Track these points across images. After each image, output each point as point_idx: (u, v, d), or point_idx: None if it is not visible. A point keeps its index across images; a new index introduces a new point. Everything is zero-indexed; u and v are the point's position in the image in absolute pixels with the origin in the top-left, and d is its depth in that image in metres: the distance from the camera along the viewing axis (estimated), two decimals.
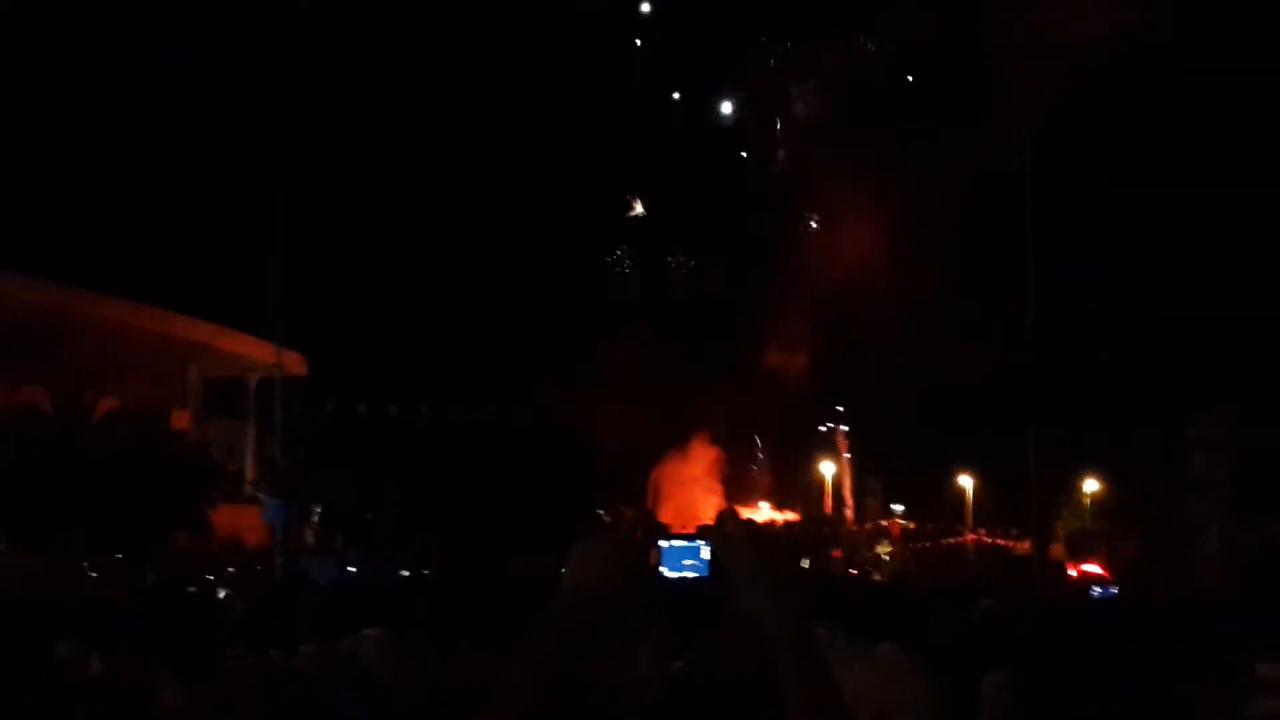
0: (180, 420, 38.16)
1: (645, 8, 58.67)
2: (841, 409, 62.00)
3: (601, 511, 36.21)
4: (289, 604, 6.86)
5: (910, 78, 54.49)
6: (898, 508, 60.71)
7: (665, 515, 41.26)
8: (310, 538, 37.60)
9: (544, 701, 2.21)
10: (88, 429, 31.17)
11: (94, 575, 21.03)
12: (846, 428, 62.44)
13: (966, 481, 58.41)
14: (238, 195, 48.44)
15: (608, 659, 2.61)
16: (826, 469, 62.10)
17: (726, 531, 2.33)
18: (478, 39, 56.39)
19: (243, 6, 52.73)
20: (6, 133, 42.78)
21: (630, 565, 2.33)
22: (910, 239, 47.33)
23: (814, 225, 55.06)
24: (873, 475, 61.83)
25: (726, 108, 59.90)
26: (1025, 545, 35.75)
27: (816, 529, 54.07)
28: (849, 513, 61.43)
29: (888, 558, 48.80)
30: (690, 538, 2.36)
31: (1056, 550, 35.00)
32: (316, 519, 38.26)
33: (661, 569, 2.37)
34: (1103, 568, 24.19)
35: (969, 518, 58.20)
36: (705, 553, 2.35)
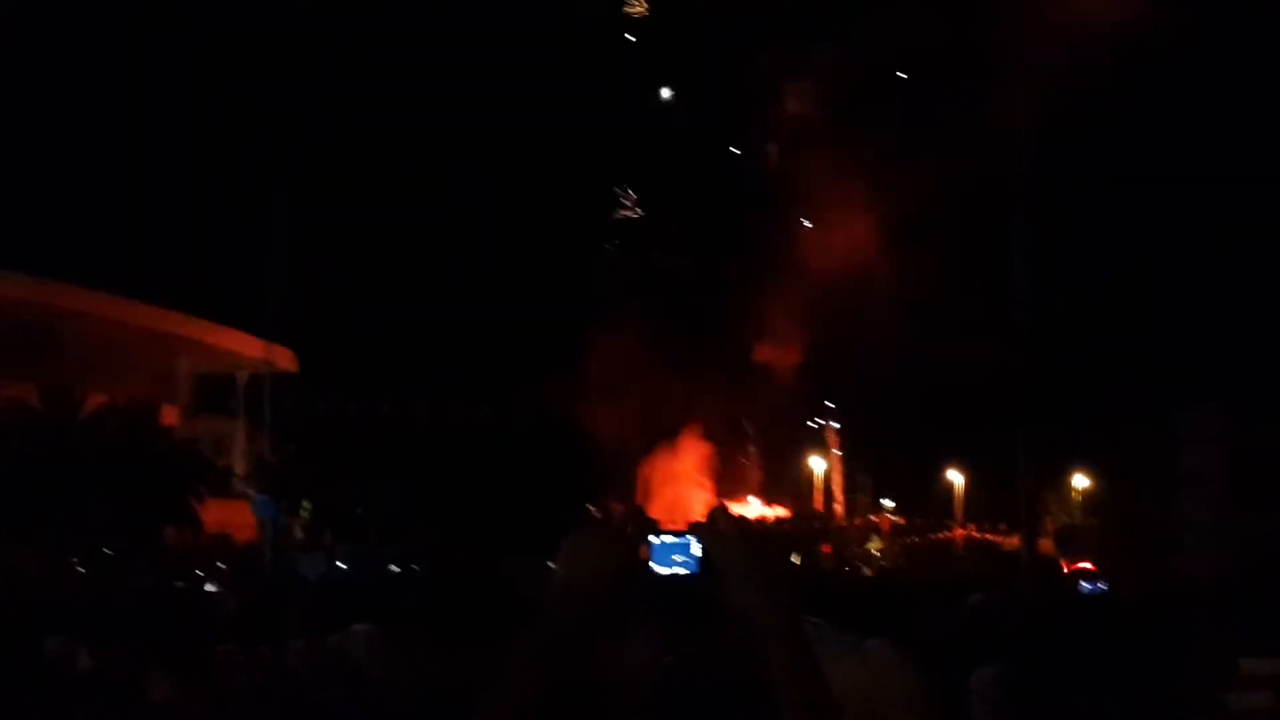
0: (170, 416, 38.10)
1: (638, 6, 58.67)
2: (832, 405, 62.03)
3: (591, 507, 36.23)
4: (279, 600, 6.87)
5: (904, 75, 54.52)
6: (888, 503, 60.79)
7: (655, 511, 41.26)
8: (300, 534, 37.57)
9: (536, 698, 2.22)
10: (77, 425, 31.12)
11: (83, 571, 21.01)
12: (837, 424, 62.47)
13: (956, 477, 58.51)
14: (229, 191, 48.43)
15: (599, 655, 2.61)
16: (817, 465, 62.13)
17: (717, 528, 2.33)
18: (469, 32, 56.34)
19: (239, 6, 52.67)
20: None
21: (620, 561, 2.33)
22: (903, 236, 47.36)
23: (806, 224, 55.02)
24: (863, 471, 61.89)
25: (719, 103, 59.87)
26: (1014, 541, 35.86)
27: (807, 525, 54.12)
28: (839, 508, 61.47)
29: (878, 553, 48.87)
30: (681, 534, 2.37)
31: (1045, 546, 35.10)
32: (306, 515, 38.23)
33: (652, 565, 2.37)
34: (1093, 564, 24.23)
35: (959, 513, 58.29)
36: (696, 549, 2.35)
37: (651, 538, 2.36)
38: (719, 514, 2.36)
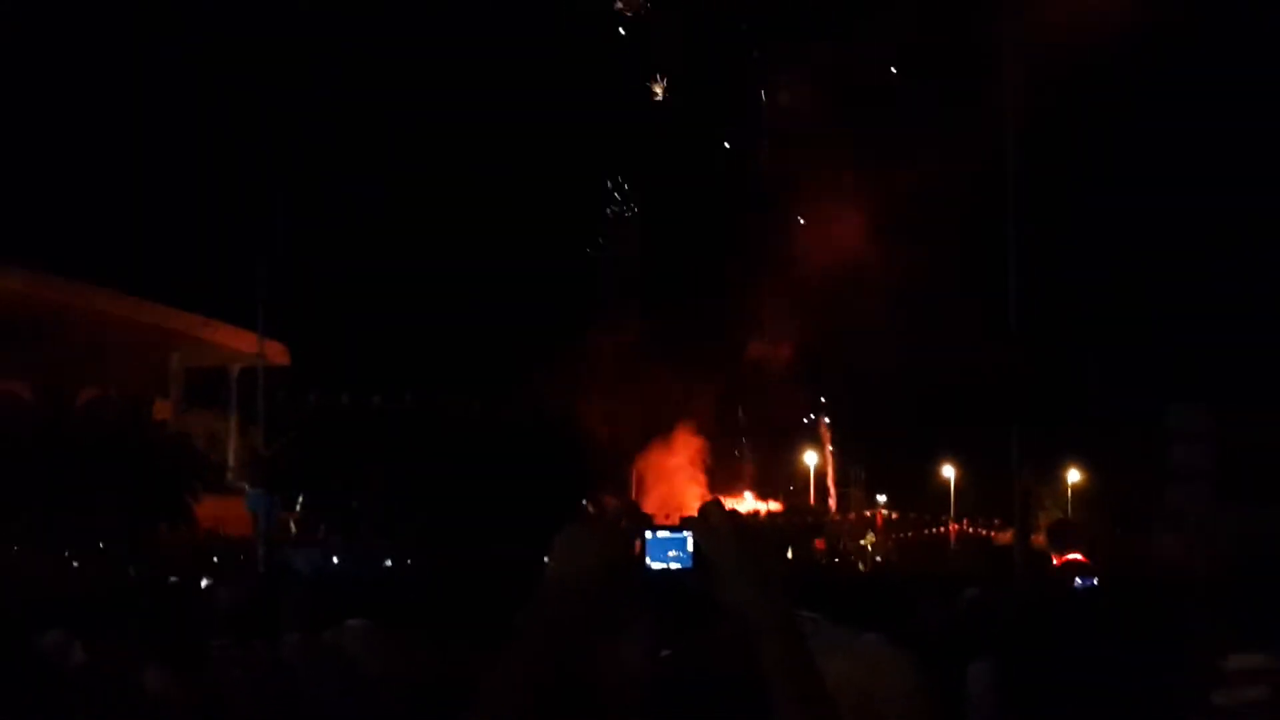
0: (162, 410, 38.07)
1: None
2: (825, 400, 62.09)
3: (585, 501, 36.24)
4: (273, 594, 6.86)
5: (896, 71, 54.53)
6: (881, 498, 60.86)
7: (649, 505, 41.27)
8: (293, 528, 37.54)
9: (531, 694, 2.22)
10: (70, 419, 31.07)
11: (77, 565, 21.00)
12: (830, 419, 62.54)
13: (949, 472, 58.57)
14: (221, 186, 48.37)
15: (592, 651, 2.62)
16: (810, 459, 62.20)
17: (710, 522, 2.33)
18: (462, 28, 56.27)
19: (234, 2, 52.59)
20: None
21: (614, 556, 2.34)
22: (895, 232, 47.40)
23: (800, 220, 55.03)
24: (856, 465, 61.96)
25: (713, 98, 59.85)
26: (1007, 536, 35.86)
27: (800, 519, 54.17)
28: (832, 503, 61.56)
29: (871, 548, 48.93)
30: (675, 529, 2.37)
31: (1037, 541, 35.09)
32: (299, 509, 38.19)
33: (645, 560, 2.37)
34: (1084, 556, 24.21)
35: (952, 508, 58.37)
36: (690, 544, 2.35)
37: (646, 533, 2.36)
38: (712, 509, 2.36)
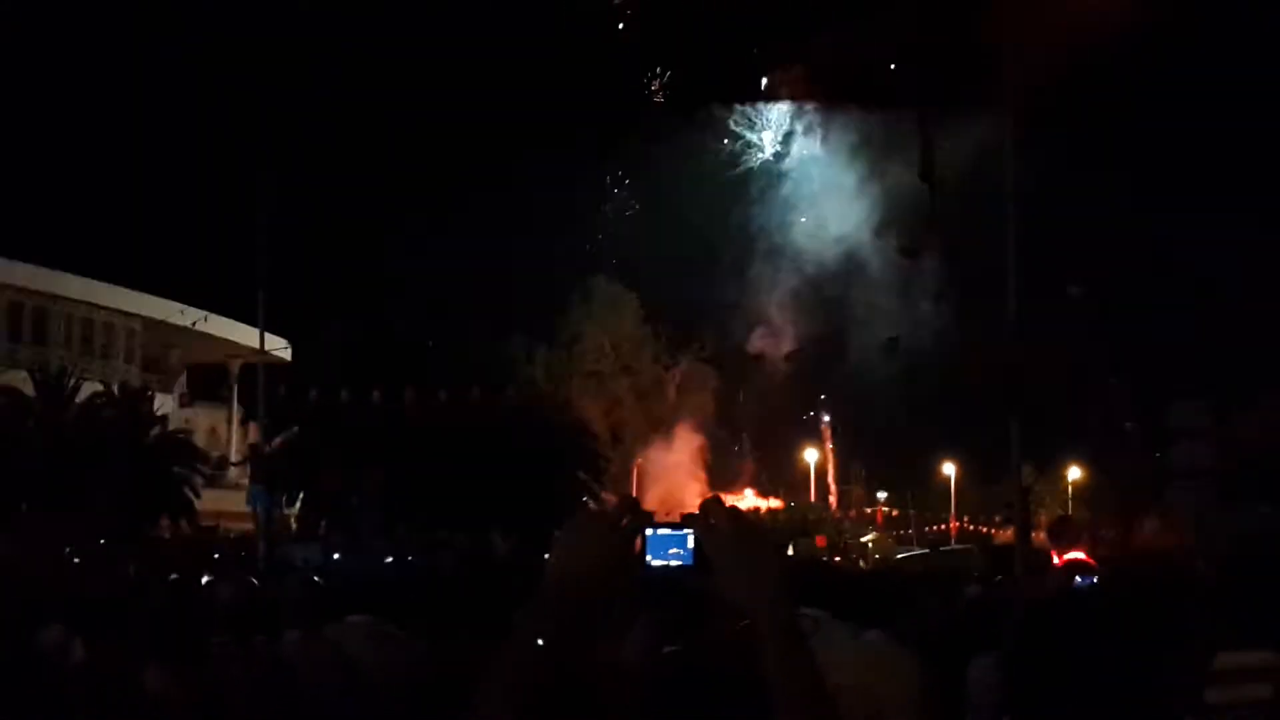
0: (163, 406, 38.08)
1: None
2: (825, 397, 62.10)
3: (586, 498, 36.24)
4: (274, 591, 6.86)
5: (895, 67, 54.48)
6: (881, 495, 60.90)
7: (649, 503, 41.17)
8: (294, 524, 37.53)
9: (531, 690, 2.22)
10: (70, 414, 31.07)
11: (77, 562, 20.98)
12: (831, 416, 62.55)
13: (950, 469, 58.60)
14: (222, 182, 48.35)
15: (593, 647, 2.61)
16: (811, 457, 62.22)
17: (711, 520, 2.33)
18: (465, 26, 56.27)
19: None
20: None
21: (615, 554, 2.33)
22: (897, 229, 47.39)
23: (806, 222, 55.03)
24: (857, 463, 62.00)
25: (716, 95, 59.83)
26: (1008, 533, 35.91)
27: (801, 516, 54.20)
28: (833, 500, 61.58)
29: (871, 545, 48.93)
30: (676, 526, 2.36)
31: (1037, 538, 35.12)
32: (300, 505, 38.18)
33: (647, 558, 2.37)
34: (1086, 555, 24.21)
35: (952, 506, 58.41)
36: (691, 541, 2.35)
37: (647, 530, 2.36)
38: (713, 506, 2.35)
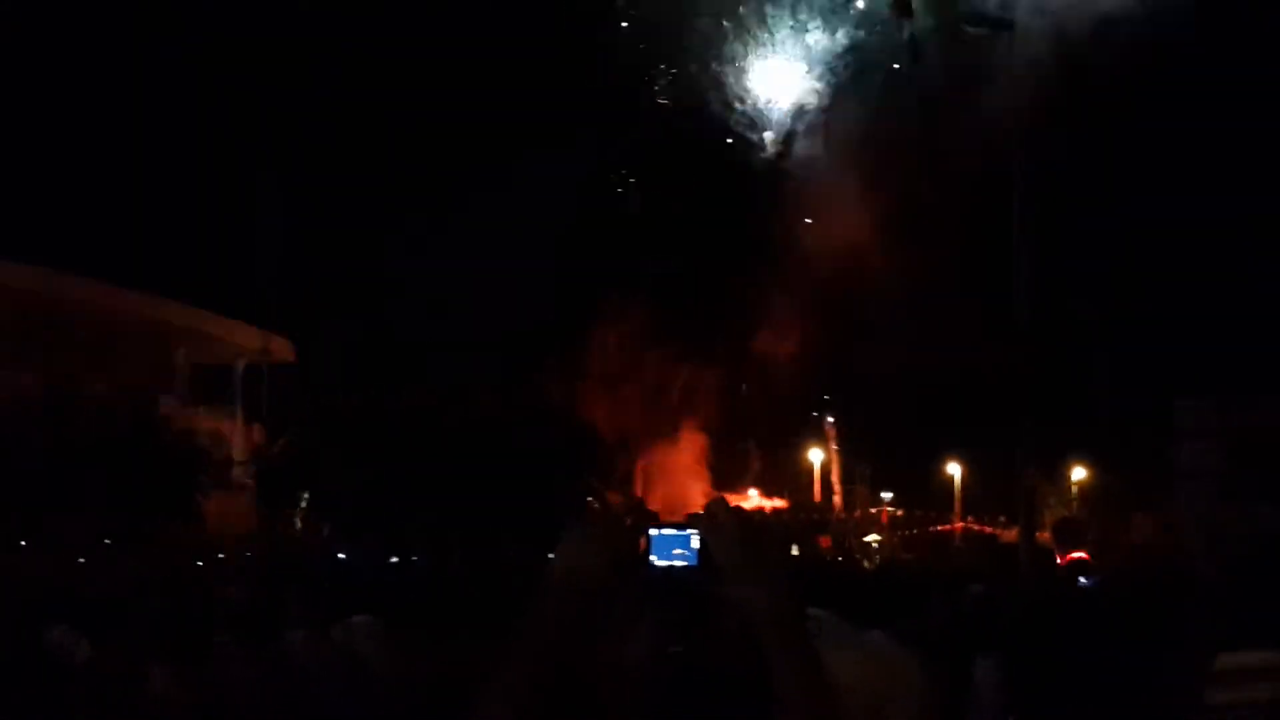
0: (167, 407, 38.08)
1: None
2: (829, 397, 62.01)
3: (591, 499, 36.18)
4: (279, 592, 6.86)
5: (898, 66, 54.38)
6: (886, 495, 60.83)
7: (653, 503, 41.02)
8: (299, 525, 37.55)
9: (534, 690, 2.22)
10: (74, 415, 31.08)
11: (82, 562, 20.99)
12: (836, 415, 62.48)
13: (955, 469, 58.55)
14: (226, 182, 48.39)
15: (597, 647, 2.61)
16: (815, 456, 62.15)
17: (716, 520, 2.32)
18: (469, 23, 56.21)
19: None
20: None
21: (619, 553, 2.33)
22: (903, 227, 47.31)
23: (809, 221, 54.89)
24: (861, 462, 61.91)
25: (715, 89, 59.67)
26: (1013, 534, 35.84)
27: (805, 516, 54.15)
28: (837, 500, 61.51)
29: (876, 545, 48.92)
30: (680, 526, 2.36)
31: (1043, 538, 35.08)
32: (304, 505, 38.22)
33: (651, 558, 2.36)
34: (1088, 555, 24.17)
35: (957, 506, 58.36)
36: (695, 542, 2.35)
37: (651, 530, 2.35)
38: (718, 506, 2.35)
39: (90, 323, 41.15)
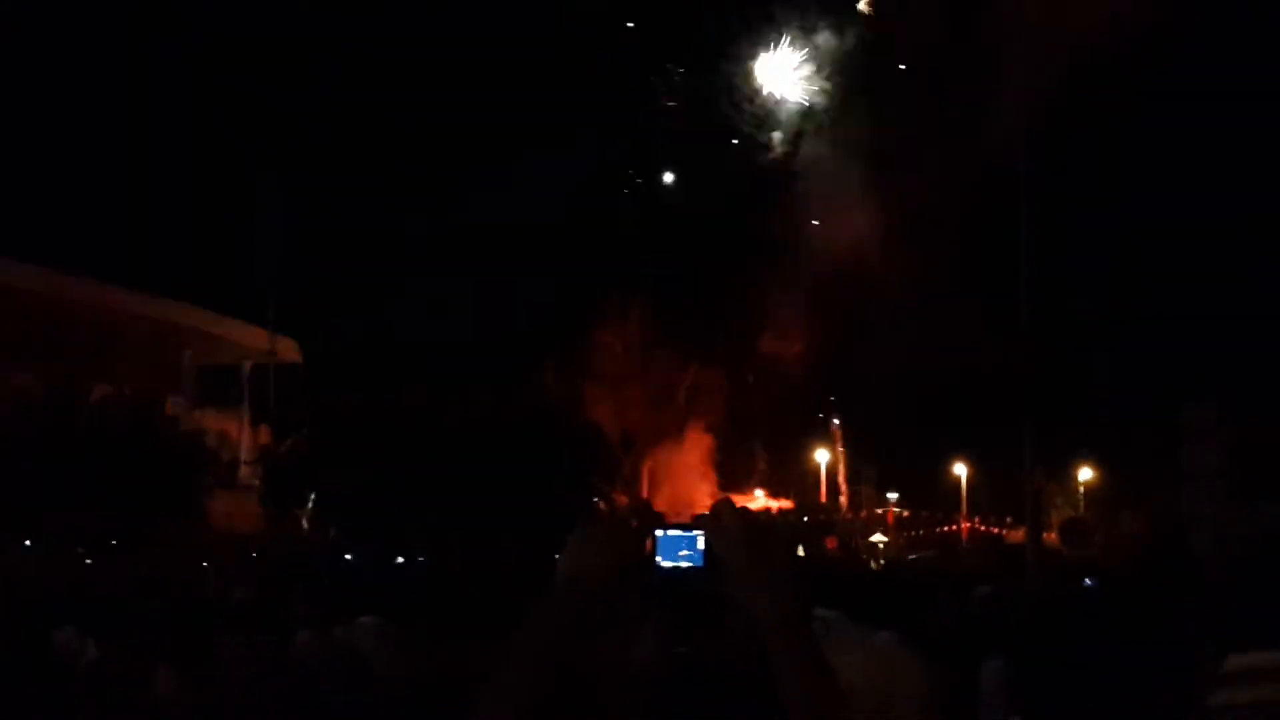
0: (173, 407, 38.13)
1: None
2: (835, 398, 62.03)
3: (597, 500, 36.21)
4: (284, 592, 6.87)
5: (906, 67, 54.44)
6: (892, 496, 60.81)
7: (660, 504, 40.99)
8: (305, 526, 37.59)
9: (536, 691, 2.22)
10: (81, 416, 31.13)
11: (88, 563, 21.03)
12: (842, 416, 62.48)
13: (961, 470, 58.52)
14: (232, 183, 48.46)
15: (601, 648, 2.61)
16: (821, 457, 62.16)
17: (722, 521, 2.32)
18: (473, 25, 56.30)
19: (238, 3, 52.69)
20: (2, 121, 42.74)
21: (625, 555, 2.33)
22: (907, 228, 47.35)
23: (814, 222, 54.92)
24: (867, 463, 61.89)
25: (723, 92, 59.74)
26: (1019, 534, 35.85)
27: (811, 517, 54.14)
28: (844, 501, 61.51)
29: (882, 546, 48.92)
30: (686, 527, 2.36)
31: (1050, 539, 35.08)
32: (311, 506, 38.24)
33: (657, 559, 2.36)
34: (1098, 557, 24.20)
35: (963, 506, 58.34)
36: (701, 543, 2.34)
37: (657, 531, 2.35)
38: (723, 507, 2.35)
39: (98, 324, 41.22)
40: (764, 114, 59.14)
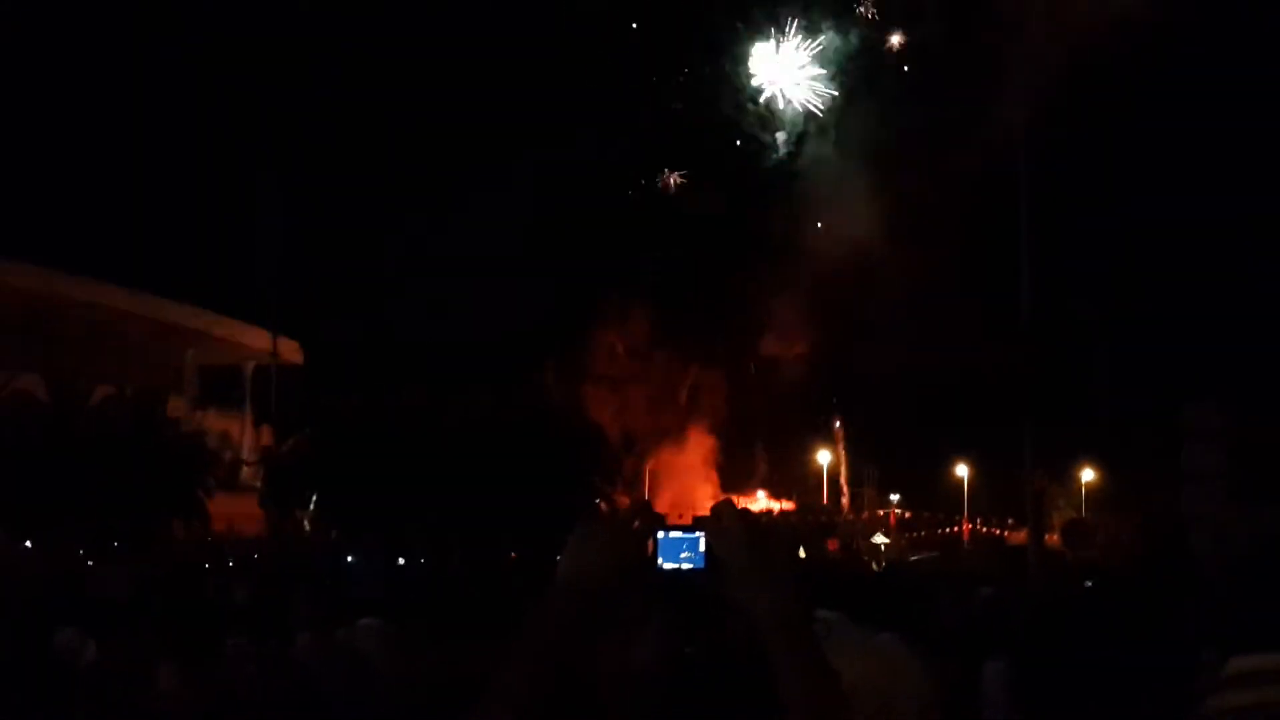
0: (176, 408, 38.12)
1: None
2: (837, 398, 61.99)
3: (599, 501, 36.19)
4: (286, 592, 6.87)
5: (908, 69, 54.45)
6: (894, 497, 60.77)
7: (661, 505, 40.93)
8: (307, 528, 37.58)
9: (536, 692, 2.22)
10: (83, 416, 31.12)
11: (91, 564, 21.04)
12: (844, 417, 62.44)
13: (963, 471, 58.48)
14: (235, 184, 48.47)
15: (602, 649, 2.61)
16: (823, 458, 62.13)
17: (723, 522, 2.32)
18: (467, 26, 56.30)
19: (241, 1, 52.70)
20: (4, 122, 42.76)
21: (626, 556, 2.33)
22: (908, 228, 47.34)
23: (817, 223, 54.94)
24: (869, 464, 61.87)
25: (726, 93, 59.75)
26: (1021, 535, 35.85)
27: (813, 518, 54.11)
28: (845, 502, 61.48)
29: (884, 547, 48.89)
30: (687, 529, 2.36)
31: (1051, 541, 35.08)
32: (313, 507, 38.22)
33: (658, 560, 2.36)
34: (1100, 559, 24.19)
35: (965, 508, 58.30)
36: (702, 545, 2.34)
37: (658, 533, 2.35)
38: (725, 508, 2.35)
39: (100, 325, 41.25)
40: (766, 114, 59.18)
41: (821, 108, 57.28)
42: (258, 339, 44.61)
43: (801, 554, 32.22)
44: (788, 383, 55.90)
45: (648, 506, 2.38)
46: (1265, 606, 3.29)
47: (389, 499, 31.94)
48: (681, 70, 58.86)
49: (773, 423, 60.28)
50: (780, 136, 58.93)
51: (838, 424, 62.54)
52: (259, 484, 35.83)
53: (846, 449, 62.72)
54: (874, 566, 33.54)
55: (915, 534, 56.06)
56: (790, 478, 62.04)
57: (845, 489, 62.37)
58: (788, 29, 57.04)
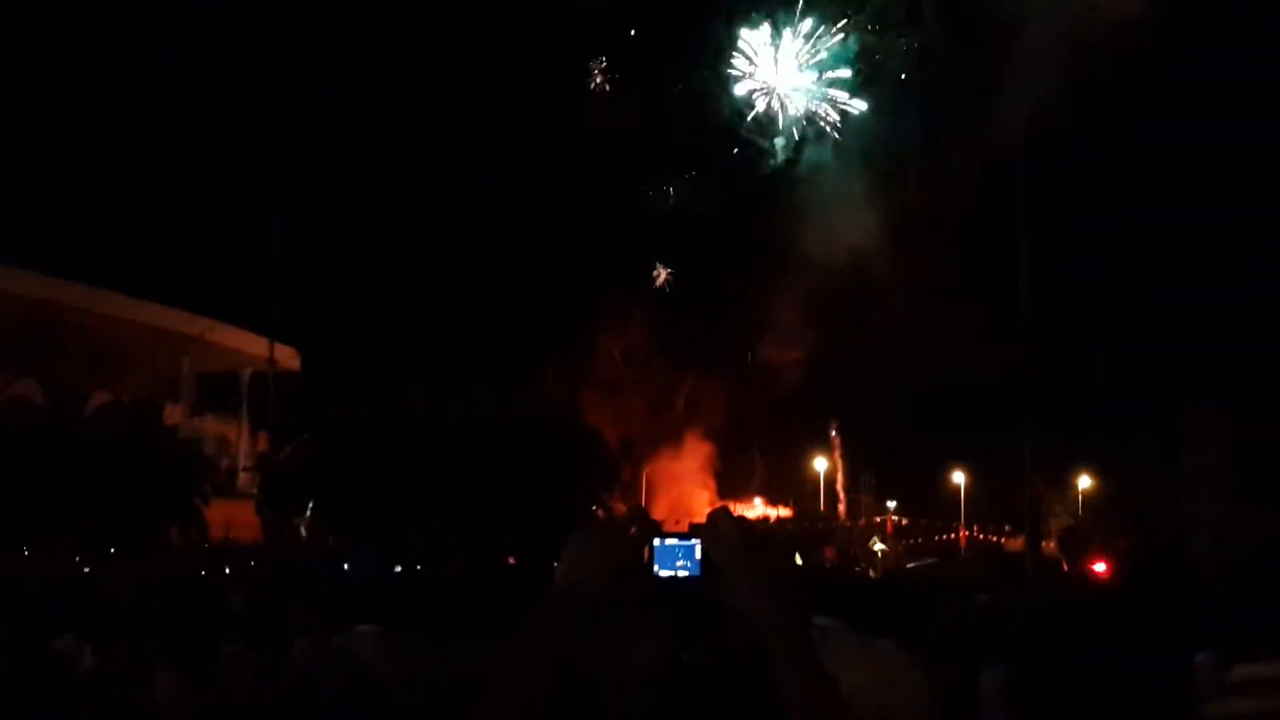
0: (173, 414, 38.10)
1: None
2: (834, 405, 61.98)
3: (596, 508, 36.19)
4: (284, 598, 6.87)
5: (906, 75, 54.53)
6: (891, 504, 60.73)
7: (658, 511, 41.12)
8: (304, 533, 37.55)
9: (533, 697, 2.22)
10: (80, 423, 31.09)
11: (88, 570, 21.04)
12: (841, 424, 62.43)
13: (960, 478, 58.44)
14: (230, 190, 48.50)
15: (599, 651, 2.61)
16: (820, 465, 62.10)
17: (719, 529, 2.32)
18: (471, 23, 56.31)
19: (239, 4, 52.71)
20: (2, 126, 42.77)
21: (622, 562, 2.33)
22: (907, 232, 47.41)
23: (816, 228, 54.99)
24: (866, 471, 61.83)
25: (727, 97, 59.81)
26: (1018, 542, 35.85)
27: (810, 525, 54.07)
28: (842, 509, 61.45)
29: (881, 554, 48.85)
30: (684, 536, 2.35)
31: (1048, 547, 35.10)
32: (309, 514, 38.19)
33: (654, 568, 2.36)
34: (1106, 567, 24.13)
35: (962, 514, 58.28)
36: (698, 552, 2.34)
37: (655, 540, 2.35)
38: (721, 515, 2.35)
39: (97, 331, 41.24)
40: (765, 119, 59.24)
41: (821, 113, 57.38)
42: (255, 345, 44.63)
43: (798, 560, 32.23)
44: (785, 388, 55.93)
45: (644, 513, 2.38)
46: (1265, 608, 3.29)
47: (386, 504, 31.92)
48: (681, 74, 58.94)
49: (770, 429, 60.30)
50: (779, 142, 59.01)
51: (834, 431, 62.52)
52: (256, 490, 35.81)
53: (843, 456, 62.70)
54: (871, 573, 33.56)
55: (912, 541, 56.01)
56: (787, 484, 62.01)
57: (842, 496, 62.36)
58: (788, 31, 57.15)
